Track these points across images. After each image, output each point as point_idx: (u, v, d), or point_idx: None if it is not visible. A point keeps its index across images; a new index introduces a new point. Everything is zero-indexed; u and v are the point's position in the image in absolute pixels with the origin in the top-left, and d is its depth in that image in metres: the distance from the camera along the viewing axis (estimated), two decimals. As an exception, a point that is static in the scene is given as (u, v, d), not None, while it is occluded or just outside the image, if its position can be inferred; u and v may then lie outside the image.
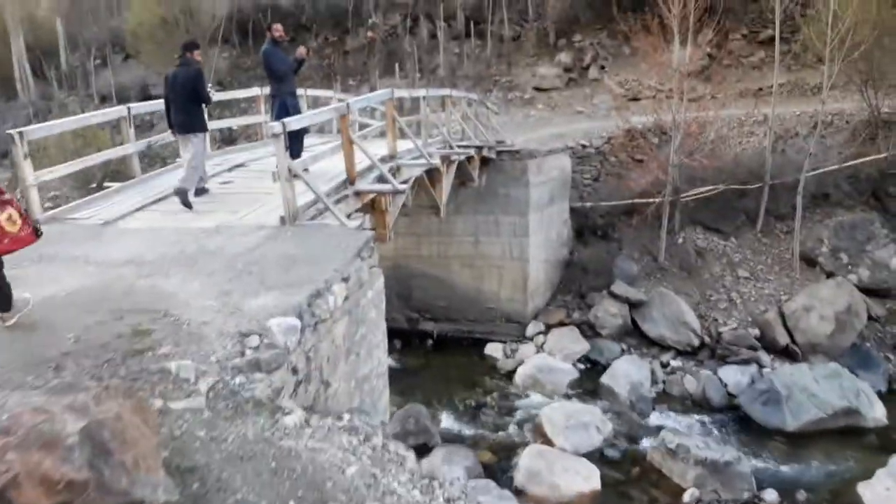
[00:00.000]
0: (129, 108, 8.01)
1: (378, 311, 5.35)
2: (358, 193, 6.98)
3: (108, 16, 34.43)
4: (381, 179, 7.33)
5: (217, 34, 29.07)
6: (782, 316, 15.20)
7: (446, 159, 10.34)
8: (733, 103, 20.07)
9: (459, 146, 11.48)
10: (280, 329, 3.81)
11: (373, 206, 7.58)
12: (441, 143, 11.12)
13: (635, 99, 23.28)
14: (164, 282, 4.58)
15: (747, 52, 23.94)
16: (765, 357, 14.73)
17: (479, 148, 13.00)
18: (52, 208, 7.34)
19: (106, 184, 7.94)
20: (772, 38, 23.18)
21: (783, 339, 14.89)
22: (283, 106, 8.22)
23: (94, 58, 31.35)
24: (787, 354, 14.80)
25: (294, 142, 8.02)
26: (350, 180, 6.94)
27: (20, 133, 5.93)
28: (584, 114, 22.87)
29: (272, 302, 4.16)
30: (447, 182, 10.53)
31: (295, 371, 3.87)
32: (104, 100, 29.02)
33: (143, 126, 26.18)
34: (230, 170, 8.89)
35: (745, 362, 14.69)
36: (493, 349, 16.14)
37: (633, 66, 24.40)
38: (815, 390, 13.18)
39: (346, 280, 4.68)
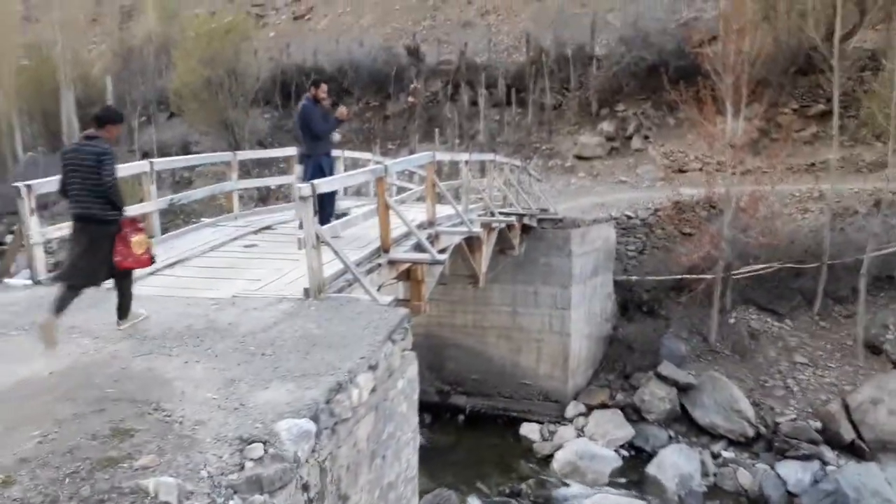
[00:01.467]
0: (151, 163, 7.55)
1: (409, 404, 4.59)
2: (392, 262, 6.33)
3: (156, 76, 35.28)
4: (419, 247, 6.68)
5: (259, 95, 29.43)
6: (846, 408, 13.93)
7: (487, 226, 9.69)
8: (784, 179, 19.24)
9: (501, 213, 10.85)
10: (290, 435, 3.08)
11: (408, 276, 6.90)
12: (482, 210, 10.50)
13: (681, 171, 22.62)
14: (163, 363, 3.90)
15: (798, 126, 23.23)
16: (828, 453, 13.43)
17: (521, 215, 12.36)
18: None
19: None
20: (823, 113, 22.60)
21: (848, 434, 13.59)
22: (319, 167, 7.74)
23: (139, 115, 31.95)
24: (852, 451, 13.47)
25: (325, 204, 7.50)
26: (384, 248, 6.29)
27: (28, 187, 5.44)
28: (627, 183, 22.22)
29: (284, 396, 3.43)
30: (487, 250, 9.87)
31: (306, 488, 3.12)
32: (146, 155, 29.31)
33: (182, 182, 26.38)
34: (256, 232, 8.33)
35: (807, 458, 13.40)
36: (530, 430, 15.08)
37: (678, 136, 23.86)
38: (889, 494, 11.88)
39: (373, 368, 3.95)
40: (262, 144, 27.57)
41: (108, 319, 4.71)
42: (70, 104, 33.22)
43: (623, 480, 13.54)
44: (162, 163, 8.83)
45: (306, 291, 5.01)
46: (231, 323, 4.49)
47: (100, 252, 4.96)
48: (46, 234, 5.80)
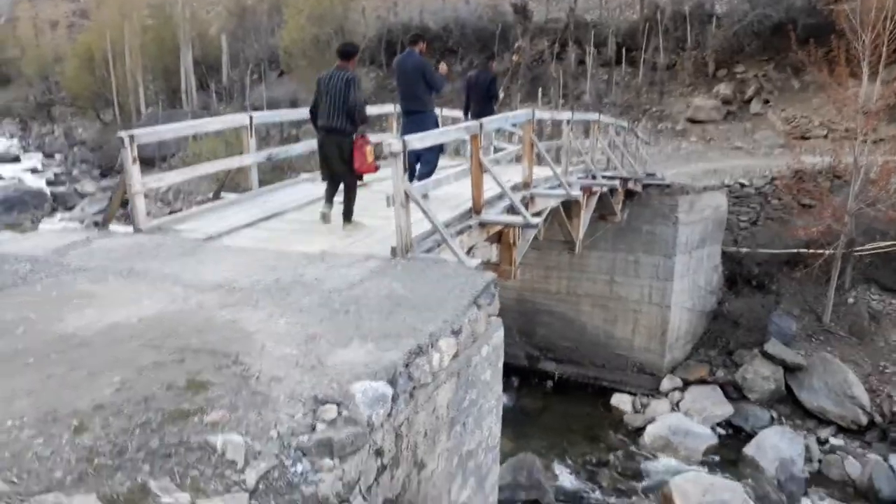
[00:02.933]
0: (250, 117, 7.60)
1: (494, 371, 4.41)
2: (483, 225, 6.11)
3: (269, 34, 36.16)
4: (512, 210, 6.42)
5: (365, 54, 29.58)
6: (978, 402, 12.70)
7: (587, 190, 9.28)
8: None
9: (604, 176, 10.36)
10: (365, 398, 2.97)
11: (499, 239, 6.68)
12: (583, 172, 10.05)
13: (803, 137, 21.01)
14: (248, 315, 3.89)
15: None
16: (952, 448, 12.34)
17: (626, 180, 11.77)
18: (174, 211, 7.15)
19: (222, 194, 7.58)
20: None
21: (978, 430, 12.41)
22: (424, 124, 7.51)
23: (251, 73, 32.92)
24: (980, 449, 12.32)
25: (429, 160, 7.45)
26: (476, 209, 6.08)
27: (131, 136, 5.59)
28: (742, 150, 20.91)
29: (363, 357, 3.33)
30: (586, 215, 9.45)
31: (379, 453, 3.01)
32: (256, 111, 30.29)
33: (290, 139, 27.05)
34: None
35: (927, 452, 12.36)
36: (621, 400, 14.67)
37: (802, 101, 22.17)
38: None
39: (456, 333, 3.78)
40: (366, 104, 27.77)
41: (199, 269, 4.79)
42: (188, 62, 34.71)
43: (717, 459, 12.97)
44: (261, 116, 8.55)
45: (393, 250, 4.89)
46: (318, 278, 4.43)
47: (342, 156, 6.45)
48: (147, 183, 5.98)
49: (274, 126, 26.44)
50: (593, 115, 10.58)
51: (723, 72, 23.95)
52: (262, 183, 8.07)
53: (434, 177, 6.56)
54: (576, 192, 7.79)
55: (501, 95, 8.24)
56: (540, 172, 8.27)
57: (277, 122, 20.85)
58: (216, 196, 7.60)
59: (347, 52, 6.88)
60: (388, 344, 3.47)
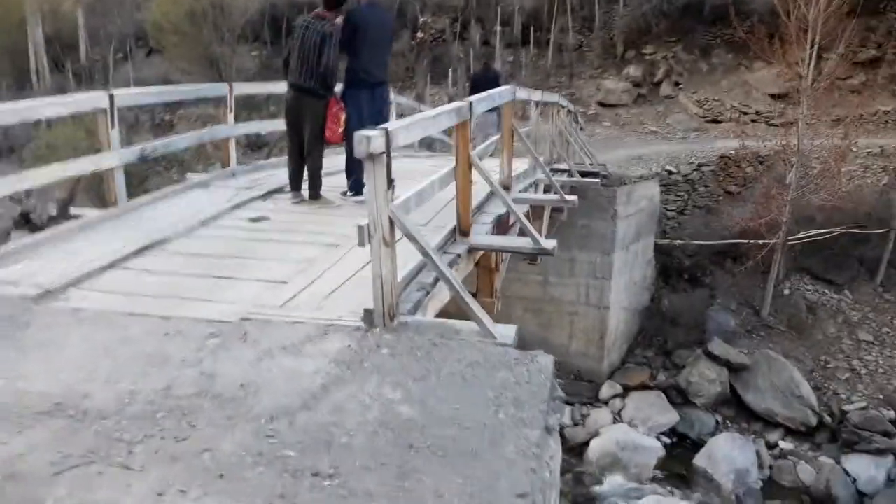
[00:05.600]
0: (110, 97, 5.32)
1: None
2: (472, 250, 4.32)
3: (134, 9, 32.25)
4: (500, 224, 4.69)
5: (247, 31, 26.79)
6: (925, 396, 12.32)
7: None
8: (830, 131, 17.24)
9: (554, 169, 8.79)
10: None
11: (477, 262, 4.91)
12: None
13: (715, 120, 20.59)
14: (109, 495, 1.91)
15: (844, 74, 21.12)
16: (905, 447, 11.86)
17: (593, 174, 10.32)
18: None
19: (71, 211, 5.34)
20: (874, 60, 20.49)
21: (928, 425, 12.00)
22: (375, 104, 6.07)
23: (115, 52, 29.17)
24: (933, 445, 11.91)
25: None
26: (462, 229, 4.27)
27: None
28: (658, 134, 20.14)
29: None
30: (547, 214, 7.84)
31: None
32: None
33: (163, 126, 23.88)
34: (264, 196, 6.19)
35: (880, 452, 11.83)
36: (559, 412, 13.35)
37: (711, 83, 21.73)
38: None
39: None
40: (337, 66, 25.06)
41: (18, 369, 2.72)
42: (38, 38, 30.39)
43: (669, 474, 11.95)
44: (127, 96, 6.26)
45: (369, 316, 2.99)
46: (244, 384, 2.47)
47: (314, 122, 5.85)
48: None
49: (144, 110, 23.20)
50: (553, 96, 9.04)
51: (631, 53, 23.17)
52: (132, 193, 5.80)
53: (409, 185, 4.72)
54: (571, 197, 6.12)
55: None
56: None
57: (150, 104, 17.26)
58: (62, 215, 5.33)
59: (332, 1, 5.84)
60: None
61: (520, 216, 4.50)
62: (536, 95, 7.86)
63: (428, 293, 3.42)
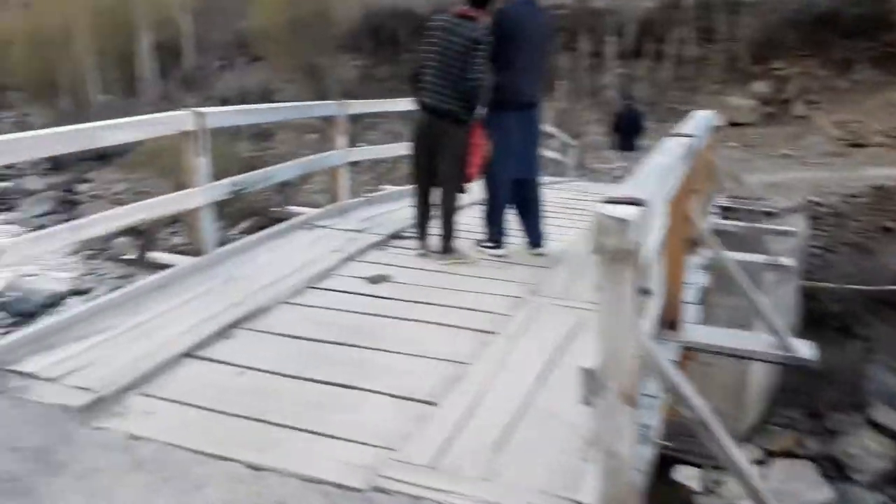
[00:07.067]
0: (198, 116, 4.23)
1: None
2: (689, 353, 3.01)
3: (238, 17, 32.52)
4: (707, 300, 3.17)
5: (348, 41, 26.34)
6: None
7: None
8: None
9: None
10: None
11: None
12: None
13: (857, 145, 18.30)
14: None
15: None
16: None
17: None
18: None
19: (149, 256, 4.29)
20: None
21: None
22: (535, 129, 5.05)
23: (218, 59, 29.39)
24: None
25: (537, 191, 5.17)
26: (670, 321, 2.96)
27: None
28: (792, 158, 18.07)
29: None
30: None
31: None
32: (225, 103, 26.79)
33: (260, 136, 23.54)
34: (381, 244, 4.98)
35: None
36: (687, 475, 11.64)
37: (853, 103, 19.40)
38: None
39: None
40: (349, 96, 24.51)
41: None
42: (146, 46, 31.07)
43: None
44: (218, 116, 4.93)
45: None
46: None
47: (451, 151, 4.73)
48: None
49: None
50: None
51: (759, 68, 21.12)
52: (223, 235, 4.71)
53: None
54: (787, 261, 4.62)
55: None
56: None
57: (247, 124, 15.39)
58: (139, 261, 4.36)
59: None
60: None
61: (759, 302, 3.14)
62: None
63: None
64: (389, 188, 7.38)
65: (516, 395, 2.70)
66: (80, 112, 30.49)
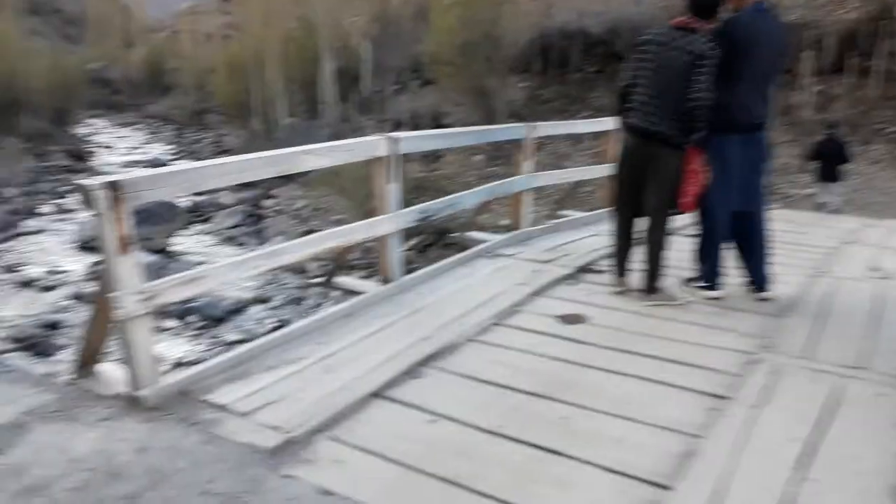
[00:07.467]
0: (392, 141, 4.17)
1: None
2: None
3: (413, 42, 33.71)
4: None
5: (516, 63, 26.31)
6: None
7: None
8: None
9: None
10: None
11: None
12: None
13: None
14: None
15: None
16: None
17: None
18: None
19: (336, 281, 4.16)
20: None
21: None
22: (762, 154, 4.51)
23: (393, 83, 30.55)
24: None
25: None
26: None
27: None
28: None
29: None
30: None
31: None
32: (398, 125, 27.74)
33: (430, 157, 24.02)
34: (569, 277, 4.57)
35: None
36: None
37: None
38: None
39: None
40: (516, 117, 24.42)
41: None
42: (328, 72, 32.97)
43: None
44: (411, 140, 4.73)
45: None
46: None
47: (664, 178, 4.32)
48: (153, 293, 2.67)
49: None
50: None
51: None
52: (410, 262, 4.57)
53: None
54: None
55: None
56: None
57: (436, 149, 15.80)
58: (327, 284, 4.25)
59: (706, 5, 4.16)
60: None
61: None
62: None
63: None
64: (572, 213, 6.94)
65: (772, 487, 2.18)
66: (269, 133, 33.00)
